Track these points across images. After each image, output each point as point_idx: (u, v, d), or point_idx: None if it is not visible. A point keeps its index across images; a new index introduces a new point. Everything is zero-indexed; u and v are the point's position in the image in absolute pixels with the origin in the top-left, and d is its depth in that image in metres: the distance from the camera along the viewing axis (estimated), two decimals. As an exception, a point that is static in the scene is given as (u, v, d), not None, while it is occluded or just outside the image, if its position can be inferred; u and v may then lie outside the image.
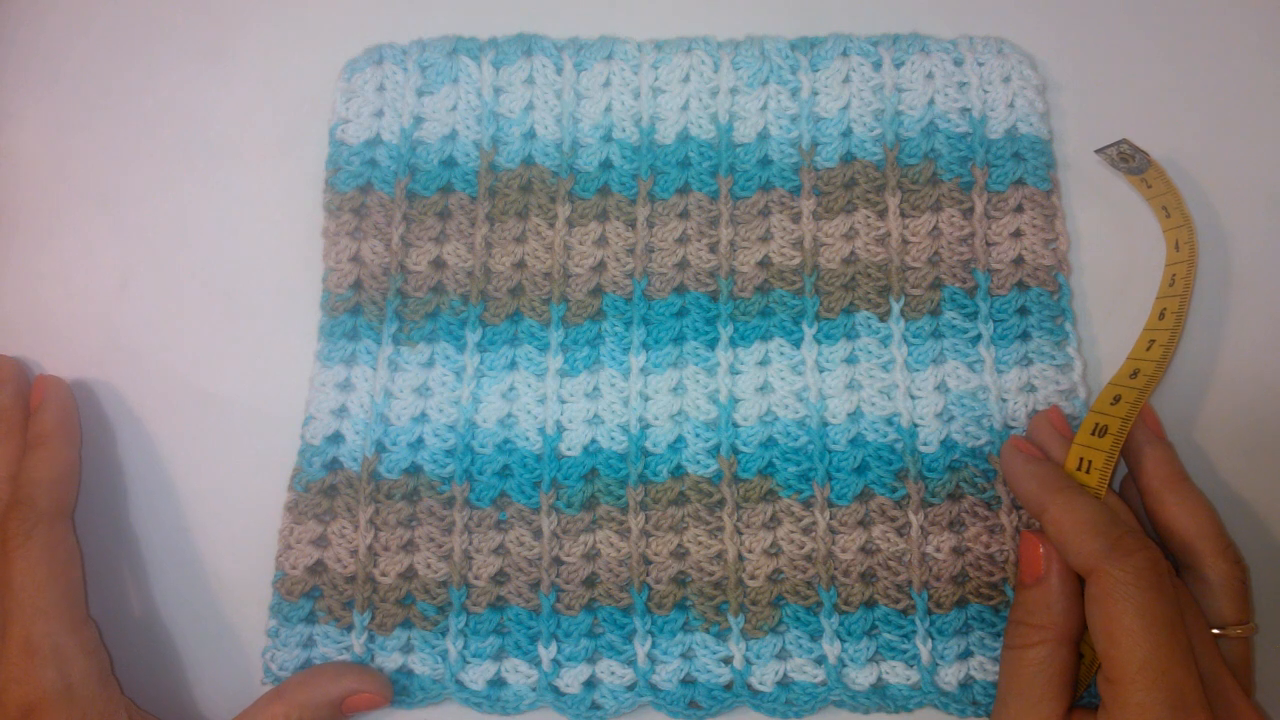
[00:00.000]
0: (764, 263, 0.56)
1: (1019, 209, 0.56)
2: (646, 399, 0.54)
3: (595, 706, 0.52)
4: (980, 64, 0.57)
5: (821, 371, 0.54)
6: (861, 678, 0.51)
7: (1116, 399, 0.50)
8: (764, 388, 0.54)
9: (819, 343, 0.55)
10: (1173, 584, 0.45)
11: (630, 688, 0.52)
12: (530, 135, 0.58)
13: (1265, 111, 0.59)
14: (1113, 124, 0.59)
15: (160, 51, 0.61)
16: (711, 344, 0.55)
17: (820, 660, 0.51)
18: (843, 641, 0.51)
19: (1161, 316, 0.53)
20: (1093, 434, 0.49)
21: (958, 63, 0.58)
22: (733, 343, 0.55)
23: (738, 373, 0.55)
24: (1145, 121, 0.59)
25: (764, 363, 0.55)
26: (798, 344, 0.55)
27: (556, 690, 0.52)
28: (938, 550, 0.52)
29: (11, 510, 0.51)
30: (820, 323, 0.55)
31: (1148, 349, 0.52)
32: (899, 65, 0.58)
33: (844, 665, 0.51)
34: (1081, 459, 0.49)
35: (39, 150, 0.60)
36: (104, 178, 0.60)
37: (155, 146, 0.60)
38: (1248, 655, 0.48)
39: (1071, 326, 0.55)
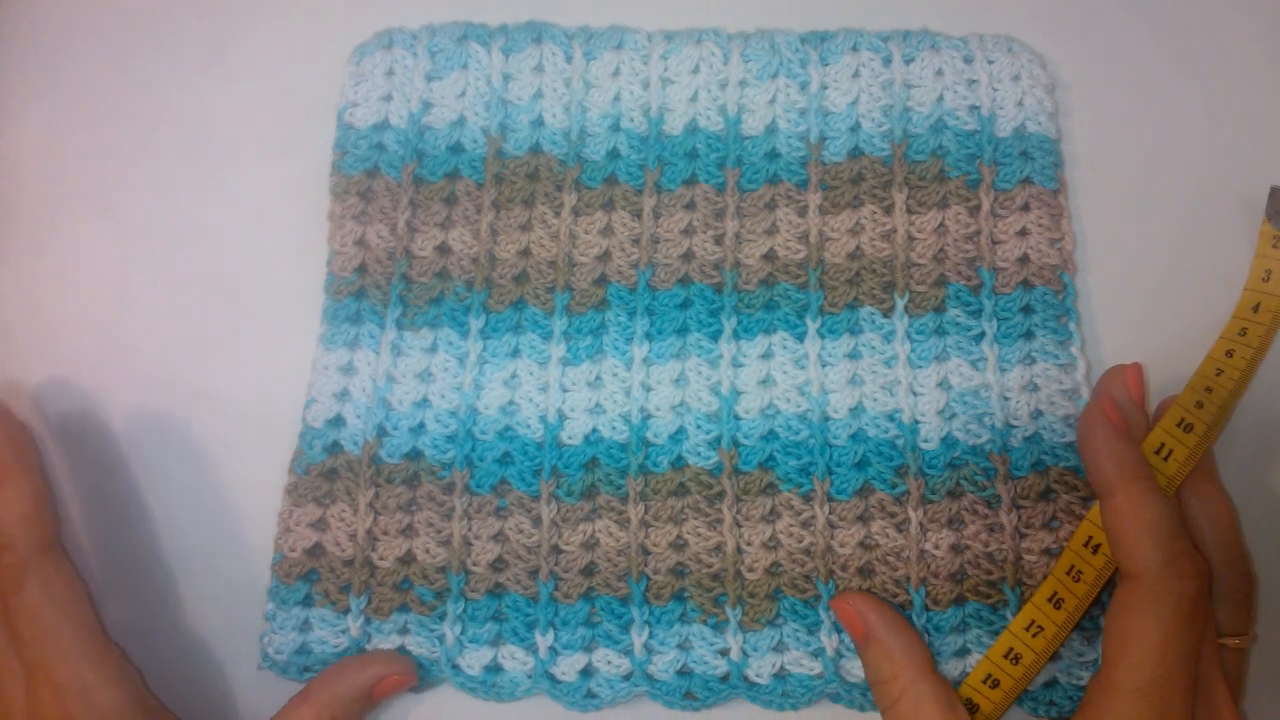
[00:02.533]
0: (769, 256, 0.56)
1: (1025, 208, 0.56)
2: (649, 389, 0.54)
3: (591, 695, 0.52)
4: (990, 62, 0.57)
5: (824, 366, 0.54)
6: (857, 671, 0.51)
7: (1200, 404, 0.49)
8: (766, 381, 0.54)
9: (822, 337, 0.55)
10: (1205, 610, 0.45)
11: (626, 677, 0.52)
12: (538, 123, 0.58)
13: (1274, 113, 0.59)
14: (1121, 124, 0.59)
15: (161, 50, 0.61)
16: (715, 336, 0.55)
17: (817, 653, 0.51)
18: (840, 635, 0.51)
19: (1242, 334, 0.52)
20: (1178, 426, 0.49)
21: (967, 60, 0.57)
22: (736, 335, 0.55)
23: (740, 365, 0.55)
24: (1153, 121, 0.59)
25: (767, 356, 0.55)
26: (801, 338, 0.55)
27: (553, 678, 0.52)
28: (936, 547, 0.52)
29: None
30: (824, 317, 0.55)
31: (1228, 356, 0.51)
32: (909, 61, 0.58)
33: (841, 658, 0.51)
34: (1163, 445, 0.48)
35: (39, 150, 0.60)
36: (104, 178, 0.60)
37: (156, 145, 0.60)
38: (1241, 666, 0.48)
39: (1075, 326, 0.55)
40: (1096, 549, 0.48)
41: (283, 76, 0.60)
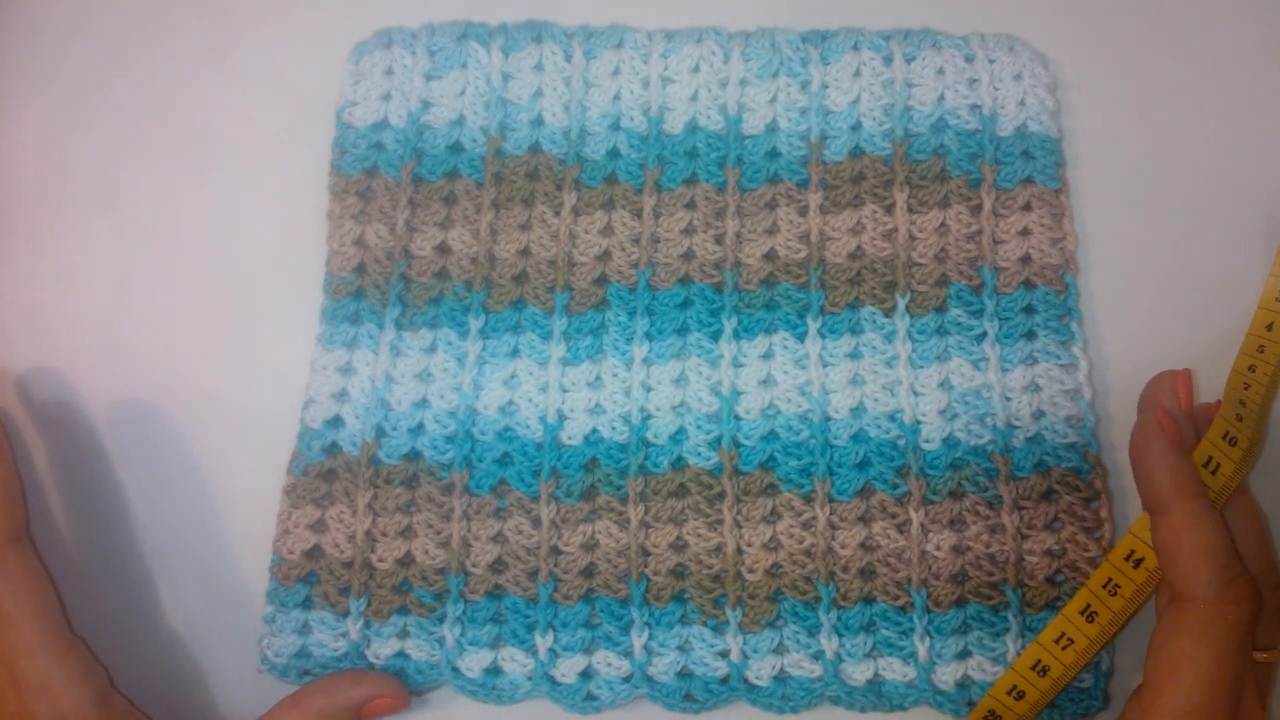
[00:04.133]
0: (769, 256, 0.56)
1: (1027, 207, 0.56)
2: (649, 390, 0.54)
3: (591, 697, 0.52)
4: (991, 61, 0.57)
5: (825, 366, 0.54)
6: (858, 673, 0.51)
7: (1240, 417, 0.48)
8: (767, 381, 0.54)
9: (823, 337, 0.54)
10: (1253, 634, 0.44)
11: (626, 679, 0.52)
12: (538, 122, 0.58)
13: (1277, 111, 0.59)
14: (1123, 123, 0.58)
15: (160, 50, 0.61)
16: (715, 336, 0.55)
17: (818, 656, 0.51)
18: (840, 637, 0.51)
19: (1260, 350, 0.50)
20: (1223, 439, 0.47)
21: (969, 59, 0.57)
22: (736, 335, 0.55)
23: (741, 365, 0.54)
24: (1155, 120, 0.59)
25: (767, 356, 0.54)
26: (801, 338, 0.54)
27: (552, 680, 0.52)
28: (937, 548, 0.52)
29: None
30: (825, 317, 0.55)
31: (1250, 371, 0.49)
32: (910, 60, 0.57)
33: (841, 661, 0.51)
34: (1210, 458, 0.47)
35: (39, 150, 0.60)
36: (104, 177, 0.60)
37: (155, 145, 0.60)
38: (1268, 680, 0.47)
39: (1077, 326, 0.54)
40: (1139, 564, 0.47)
41: (282, 76, 0.60)
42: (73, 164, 0.60)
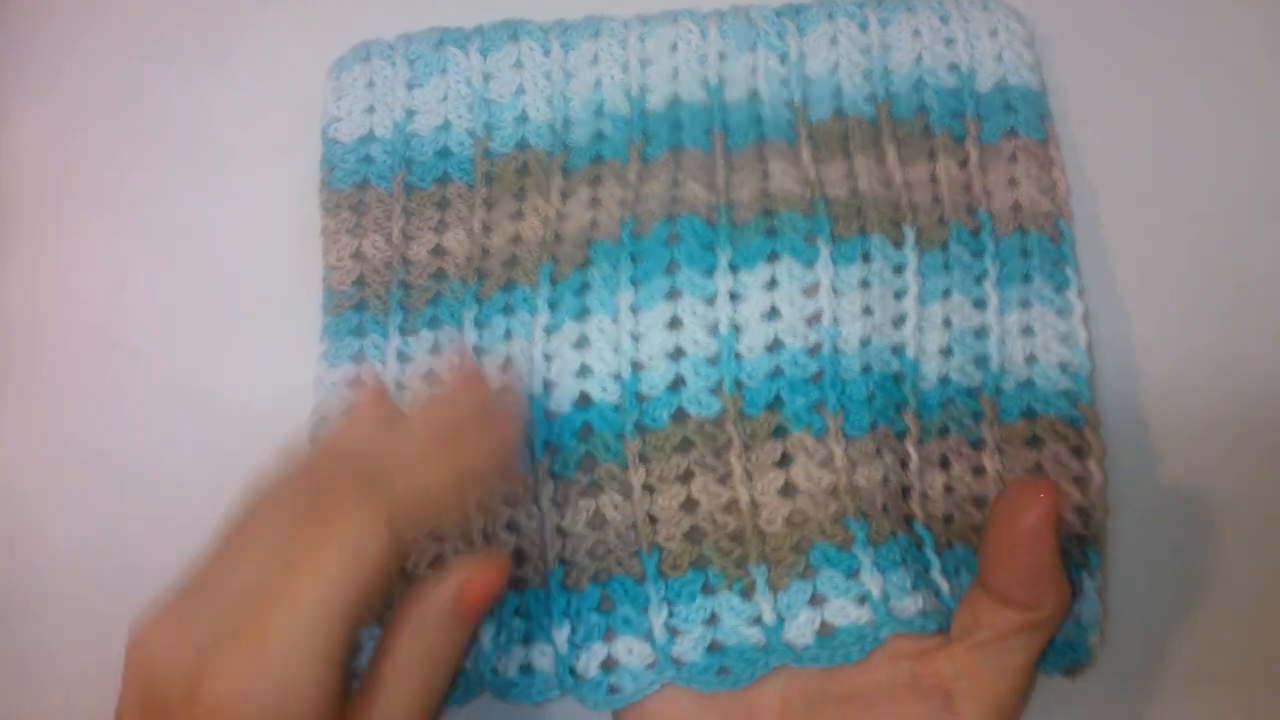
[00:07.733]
0: (766, 193, 0.54)
1: (1013, 159, 0.55)
2: (637, 339, 0.52)
3: (613, 691, 0.47)
4: (966, 20, 0.57)
5: (836, 295, 0.52)
6: (910, 606, 0.46)
7: None
8: (770, 314, 0.52)
9: (835, 263, 0.52)
10: None
11: (650, 666, 0.47)
12: (523, 119, 0.58)
13: (1273, 106, 0.59)
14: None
15: (160, 51, 0.62)
16: (709, 270, 0.52)
17: (864, 598, 0.46)
18: (883, 573, 0.47)
19: None
20: None
21: (944, 19, 0.58)
22: (733, 266, 0.52)
23: (739, 299, 0.52)
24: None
25: (771, 286, 0.52)
26: (810, 263, 0.52)
27: (575, 674, 0.48)
28: (930, 487, 0.50)
29: None
30: (836, 242, 0.52)
31: None
32: (885, 25, 0.58)
33: (888, 599, 0.46)
34: None
35: (38, 150, 0.61)
36: (103, 178, 0.60)
37: (155, 146, 0.60)
38: None
39: (1073, 272, 0.54)
40: None
41: (285, 78, 0.61)
42: (73, 164, 0.60)
